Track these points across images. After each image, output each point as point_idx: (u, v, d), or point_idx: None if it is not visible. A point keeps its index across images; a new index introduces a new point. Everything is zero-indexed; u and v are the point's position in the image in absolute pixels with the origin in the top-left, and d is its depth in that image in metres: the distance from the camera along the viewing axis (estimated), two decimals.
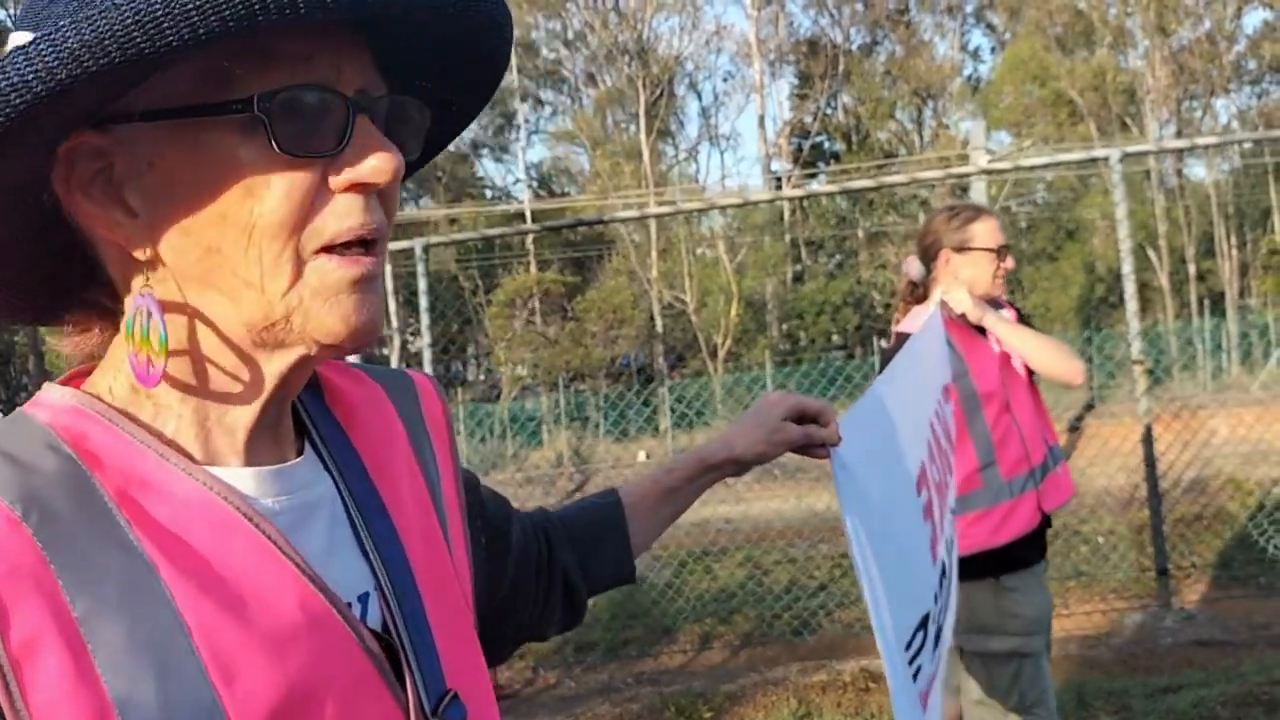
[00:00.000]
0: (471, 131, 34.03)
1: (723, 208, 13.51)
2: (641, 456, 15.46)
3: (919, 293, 2.75)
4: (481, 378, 28.16)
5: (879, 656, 4.51)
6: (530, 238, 23.88)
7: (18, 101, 0.53)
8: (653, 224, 23.98)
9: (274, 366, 0.64)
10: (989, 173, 5.64)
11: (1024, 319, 2.75)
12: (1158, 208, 23.78)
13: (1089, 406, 13.92)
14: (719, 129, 33.74)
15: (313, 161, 0.59)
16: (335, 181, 0.60)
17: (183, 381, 0.64)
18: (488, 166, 35.02)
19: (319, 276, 0.60)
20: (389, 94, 0.64)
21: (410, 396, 0.83)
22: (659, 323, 24.30)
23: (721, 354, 23.05)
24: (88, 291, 0.67)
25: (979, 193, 12.21)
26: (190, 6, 0.52)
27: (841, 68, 30.74)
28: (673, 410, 15.11)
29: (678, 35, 39.69)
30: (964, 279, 2.60)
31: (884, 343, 26.02)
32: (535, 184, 35.01)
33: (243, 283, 0.60)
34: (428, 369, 5.46)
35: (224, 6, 0.52)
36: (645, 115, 28.17)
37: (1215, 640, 4.47)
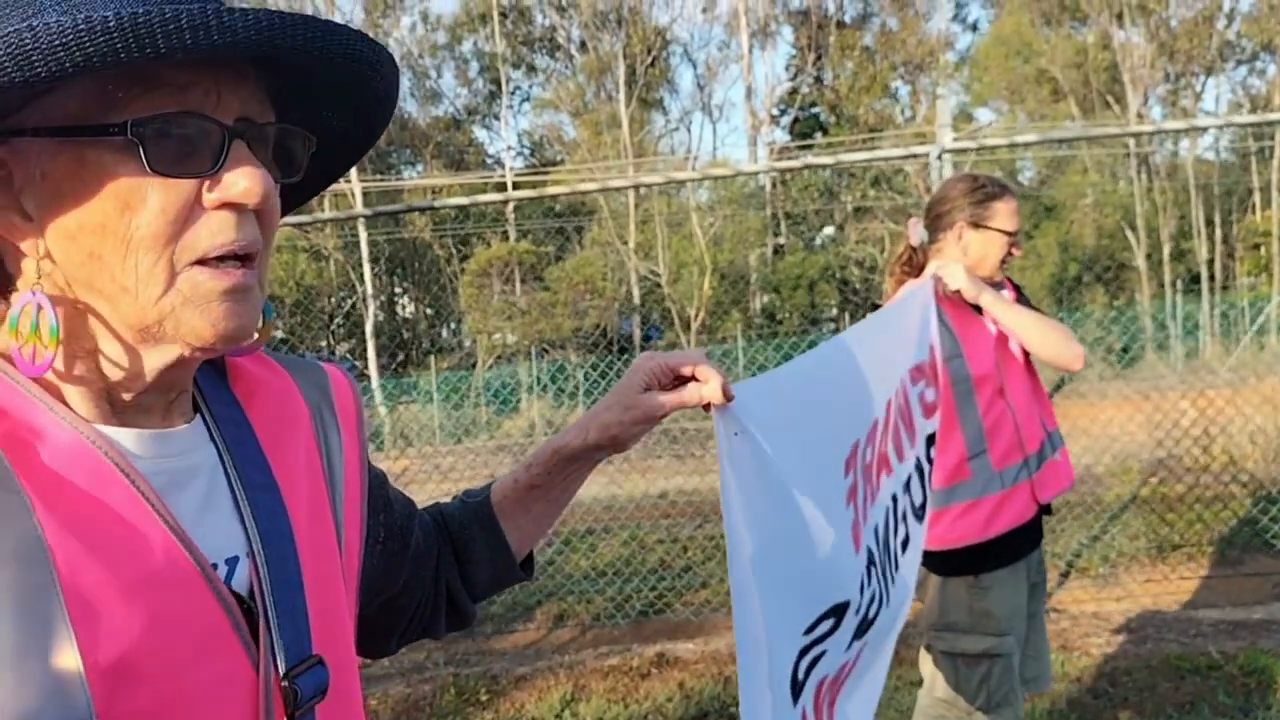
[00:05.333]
0: (462, 98, 33.93)
1: (675, 184, 13.46)
2: None
3: (916, 260, 2.59)
4: (465, 344, 28.33)
5: (688, 640, 4.53)
6: (511, 206, 23.90)
7: None
8: (630, 195, 23.89)
9: (154, 361, 0.69)
10: (811, 166, 5.63)
11: (1024, 299, 2.63)
12: (1137, 187, 23.58)
13: (1058, 386, 13.94)
14: (712, 99, 33.39)
15: (188, 180, 0.65)
16: (209, 199, 0.66)
17: (70, 371, 0.69)
18: (481, 134, 34.73)
19: (191, 286, 0.66)
20: (275, 123, 0.70)
21: (319, 385, 0.89)
22: (635, 294, 24.31)
23: (695, 326, 23.07)
24: None
25: (940, 172, 12.06)
26: (57, 44, 0.58)
27: (831, 39, 30.42)
28: None
29: (668, 2, 39.29)
30: (972, 256, 2.48)
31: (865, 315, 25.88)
32: (528, 152, 34.91)
33: (120, 288, 0.65)
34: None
35: (88, 45, 0.58)
36: (625, 84, 27.98)
37: None
